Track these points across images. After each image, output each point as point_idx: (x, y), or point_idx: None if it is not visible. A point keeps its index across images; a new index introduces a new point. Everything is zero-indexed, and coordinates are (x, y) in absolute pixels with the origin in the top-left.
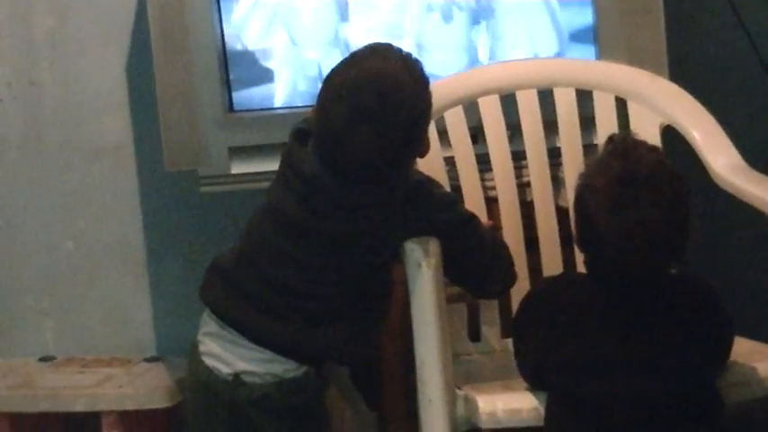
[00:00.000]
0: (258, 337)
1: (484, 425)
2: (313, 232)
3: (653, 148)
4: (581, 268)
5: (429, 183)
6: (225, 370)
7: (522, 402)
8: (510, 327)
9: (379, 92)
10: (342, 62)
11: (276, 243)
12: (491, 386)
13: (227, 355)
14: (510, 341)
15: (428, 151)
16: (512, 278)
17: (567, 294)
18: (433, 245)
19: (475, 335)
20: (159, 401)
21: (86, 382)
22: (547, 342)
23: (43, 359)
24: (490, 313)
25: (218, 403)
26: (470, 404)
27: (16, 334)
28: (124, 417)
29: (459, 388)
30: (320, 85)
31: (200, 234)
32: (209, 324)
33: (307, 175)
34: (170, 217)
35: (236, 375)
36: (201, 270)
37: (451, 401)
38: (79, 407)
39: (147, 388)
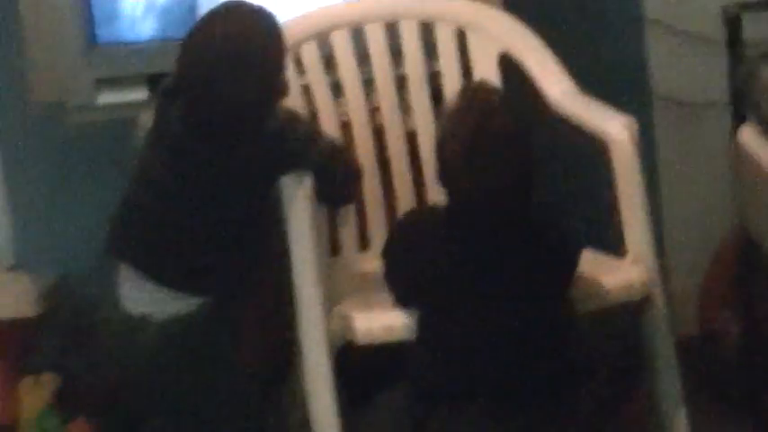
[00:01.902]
0: (159, 278)
1: (360, 341)
2: (182, 192)
3: (504, 96)
4: (430, 187)
5: (290, 122)
6: (134, 311)
7: (395, 320)
8: (382, 249)
9: (234, 51)
10: (198, 24)
11: (149, 205)
12: (358, 302)
13: (135, 296)
14: (367, 255)
15: (288, 93)
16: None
17: (433, 225)
18: (307, 178)
19: (334, 248)
20: (24, 311)
21: None
22: (415, 271)
23: None
24: (347, 228)
25: (129, 342)
26: (346, 321)
27: None
28: None
29: None
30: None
31: (57, 150)
32: (121, 268)
33: (176, 134)
34: (27, 135)
35: (143, 317)
36: (57, 186)
37: (327, 319)
38: None
39: (11, 298)
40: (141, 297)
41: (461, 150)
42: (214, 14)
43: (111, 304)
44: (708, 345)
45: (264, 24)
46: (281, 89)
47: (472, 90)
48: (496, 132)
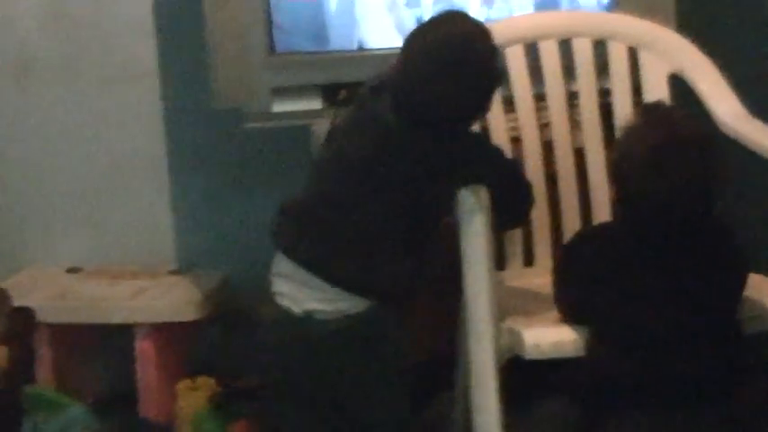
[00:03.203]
0: (328, 277)
1: (528, 356)
2: (381, 177)
3: (684, 113)
4: (596, 203)
5: (483, 136)
6: (296, 309)
7: (564, 335)
8: (553, 268)
9: (462, 54)
10: (423, 26)
11: (341, 189)
12: (525, 318)
13: (297, 295)
14: (532, 270)
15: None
16: (528, 213)
17: (607, 241)
18: (484, 193)
19: (500, 263)
20: (190, 314)
21: (120, 293)
22: (589, 283)
23: (71, 270)
24: (513, 243)
25: (292, 339)
26: (515, 336)
27: (46, 242)
28: (156, 328)
29: None
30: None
31: (224, 154)
32: (280, 265)
33: (387, 125)
34: (197, 137)
35: (307, 313)
36: (223, 189)
37: (497, 334)
38: (116, 319)
39: (178, 301)
40: (306, 295)
41: (647, 164)
42: (443, 20)
43: (271, 303)
44: None
45: (488, 37)
46: (487, 104)
47: (653, 105)
48: (683, 139)
